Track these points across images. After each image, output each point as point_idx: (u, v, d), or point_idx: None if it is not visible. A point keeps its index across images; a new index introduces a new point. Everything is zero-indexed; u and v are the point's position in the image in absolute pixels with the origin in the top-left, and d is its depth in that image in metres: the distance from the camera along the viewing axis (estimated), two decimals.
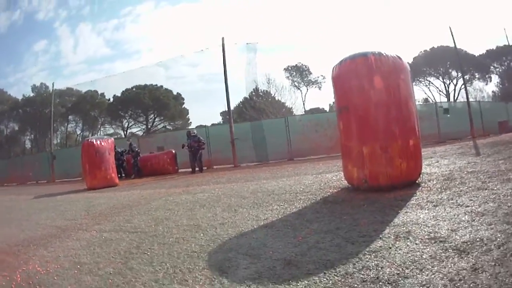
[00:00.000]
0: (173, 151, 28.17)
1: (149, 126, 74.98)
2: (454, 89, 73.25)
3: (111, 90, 79.18)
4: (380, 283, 3.66)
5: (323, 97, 66.08)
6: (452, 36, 35.49)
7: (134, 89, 76.07)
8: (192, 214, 8.02)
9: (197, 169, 25.24)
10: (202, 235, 6.36)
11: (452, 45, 37.29)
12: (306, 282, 4.00)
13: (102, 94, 79.63)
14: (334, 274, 4.09)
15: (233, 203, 8.52)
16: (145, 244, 6.22)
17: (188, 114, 70.88)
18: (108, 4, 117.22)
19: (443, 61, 68.49)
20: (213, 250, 5.48)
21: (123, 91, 76.39)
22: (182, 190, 10.82)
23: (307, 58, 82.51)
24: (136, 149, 29.00)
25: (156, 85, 77.79)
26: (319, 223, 6.49)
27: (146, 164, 28.39)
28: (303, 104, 51.91)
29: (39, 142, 76.30)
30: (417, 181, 10.54)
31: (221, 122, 60.38)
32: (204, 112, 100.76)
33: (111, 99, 78.76)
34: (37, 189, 20.76)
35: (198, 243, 5.90)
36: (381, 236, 5.17)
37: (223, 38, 28.99)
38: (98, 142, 24.64)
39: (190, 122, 72.87)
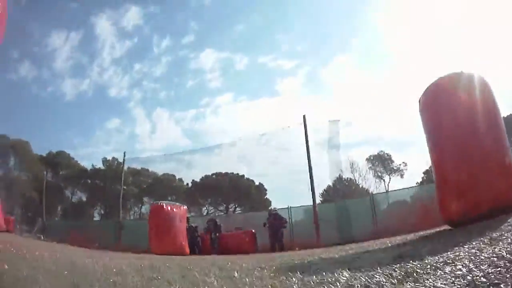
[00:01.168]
0: (253, 231, 27.21)
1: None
2: None
3: (189, 178, 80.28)
4: None
5: (405, 184, 64.45)
6: None
7: (214, 176, 76.62)
8: None
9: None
10: None
11: None
12: None
13: (180, 179, 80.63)
14: None
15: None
16: None
17: (271, 205, 69.27)
18: (185, 92, 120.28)
19: None
20: None
21: (202, 177, 76.94)
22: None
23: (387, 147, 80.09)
24: (220, 225, 28.84)
25: (237, 173, 77.86)
26: None
27: (224, 242, 27.76)
28: (387, 191, 50.19)
29: (108, 215, 76.46)
30: None
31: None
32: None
33: (190, 184, 79.20)
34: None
35: None
36: None
37: (304, 116, 29.07)
38: (169, 207, 24.12)
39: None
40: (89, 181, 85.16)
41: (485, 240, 5.84)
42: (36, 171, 74.44)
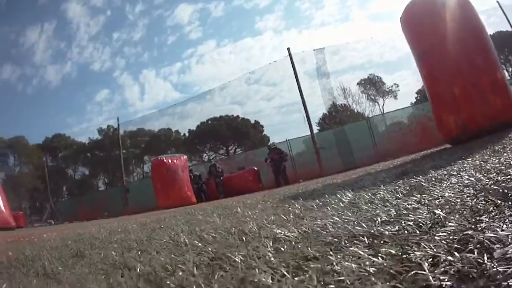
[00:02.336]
0: (255, 168, 27.17)
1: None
2: None
3: (185, 129, 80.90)
4: None
5: (400, 105, 64.48)
6: None
7: (209, 122, 76.79)
8: None
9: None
10: None
11: None
12: None
13: (177, 131, 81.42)
14: None
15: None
16: None
17: (269, 141, 69.08)
18: (168, 49, 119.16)
19: None
20: None
21: (198, 125, 77.64)
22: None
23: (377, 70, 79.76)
24: (220, 169, 28.76)
25: (232, 115, 78.32)
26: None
27: (228, 185, 27.93)
28: (382, 113, 50.26)
29: (113, 182, 77.62)
30: None
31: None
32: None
33: (187, 134, 79.67)
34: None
35: None
36: None
37: (288, 49, 28.53)
38: (169, 160, 24.02)
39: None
40: (89, 155, 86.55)
41: (488, 152, 5.82)
42: (36, 161, 75.75)
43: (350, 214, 3.07)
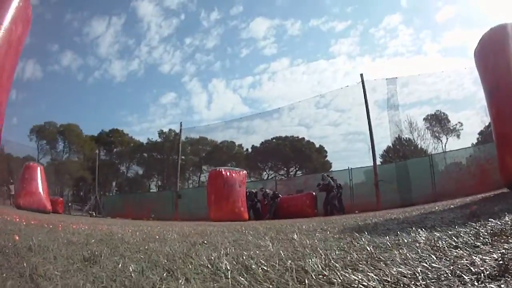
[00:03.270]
0: (313, 193, 26.51)
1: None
2: None
3: (249, 144, 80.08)
4: None
5: (461, 145, 62.51)
6: None
7: (274, 140, 75.95)
8: None
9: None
10: None
11: None
12: None
13: (240, 145, 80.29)
14: None
15: None
16: None
17: (331, 167, 67.99)
18: (240, 61, 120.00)
19: None
20: None
21: (262, 142, 76.20)
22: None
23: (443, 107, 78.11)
24: (270, 194, 27.97)
25: (298, 137, 77.06)
26: None
27: (283, 206, 27.06)
28: (444, 152, 48.95)
29: (166, 186, 77.45)
30: None
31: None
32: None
33: (249, 150, 78.95)
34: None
35: None
36: None
37: (361, 75, 28.19)
38: (228, 173, 23.76)
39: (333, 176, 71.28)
40: (145, 155, 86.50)
41: None
42: (88, 152, 76.77)
43: (435, 259, 2.57)
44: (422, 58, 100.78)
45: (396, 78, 31.89)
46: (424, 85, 77.78)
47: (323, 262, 2.89)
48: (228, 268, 3.00)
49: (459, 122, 68.60)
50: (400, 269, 2.37)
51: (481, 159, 25.03)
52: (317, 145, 76.76)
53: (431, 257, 2.70)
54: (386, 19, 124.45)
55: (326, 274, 2.48)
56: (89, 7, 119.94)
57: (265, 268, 2.88)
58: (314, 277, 2.43)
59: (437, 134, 67.51)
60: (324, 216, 21.52)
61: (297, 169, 77.04)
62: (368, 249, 3.43)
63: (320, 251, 3.58)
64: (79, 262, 3.73)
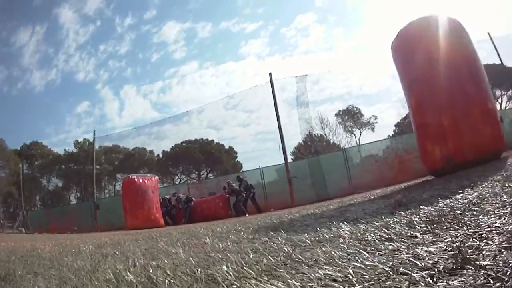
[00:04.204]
0: (226, 195, 26.10)
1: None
2: None
3: (160, 149, 79.75)
4: None
5: (377, 138, 64.59)
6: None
7: (184, 144, 75.69)
8: None
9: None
10: None
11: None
12: None
13: (151, 151, 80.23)
14: None
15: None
16: None
17: (242, 168, 68.58)
18: (151, 66, 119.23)
19: None
20: None
21: (172, 147, 76.25)
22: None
23: (356, 102, 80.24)
24: (183, 198, 27.72)
25: (207, 139, 77.26)
26: None
27: (198, 209, 26.91)
28: (358, 145, 50.20)
29: (84, 197, 75.69)
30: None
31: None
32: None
33: (161, 155, 78.64)
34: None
35: None
36: None
37: (270, 74, 28.09)
38: (140, 179, 23.37)
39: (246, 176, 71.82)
40: (63, 166, 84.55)
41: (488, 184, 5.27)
42: (13, 166, 73.51)
43: (367, 256, 2.14)
44: (334, 55, 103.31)
45: (306, 75, 32.10)
46: (336, 81, 79.73)
47: (235, 269, 2.47)
48: (133, 279, 2.79)
49: (373, 116, 70.61)
50: (327, 271, 1.92)
51: (399, 150, 25.91)
52: (227, 147, 77.97)
53: (362, 253, 2.27)
54: (298, 18, 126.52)
55: (238, 284, 2.02)
56: (15, 17, 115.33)
57: (171, 280, 2.52)
58: None
59: (350, 129, 69.10)
60: (237, 217, 21.34)
61: (208, 171, 77.54)
62: (286, 249, 3.03)
63: (233, 256, 3.18)
64: None
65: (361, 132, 70.32)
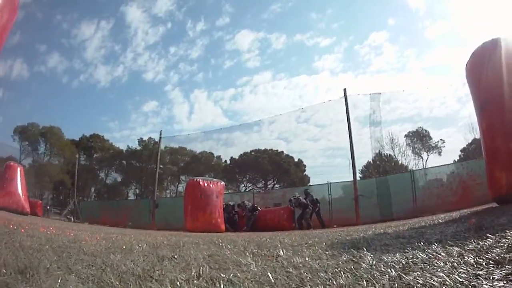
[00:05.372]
0: (291, 207, 25.90)
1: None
2: None
3: (227, 156, 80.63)
4: None
5: (443, 162, 62.97)
6: None
7: (252, 153, 76.27)
8: None
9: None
10: None
11: None
12: None
13: (218, 157, 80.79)
14: None
15: None
16: None
17: (309, 181, 68.08)
18: (223, 73, 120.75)
19: None
20: None
21: (241, 154, 76.79)
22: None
23: (425, 124, 78.76)
24: (249, 206, 27.89)
25: (277, 150, 77.42)
26: None
27: (261, 219, 26.76)
28: (425, 168, 49.27)
29: (143, 194, 77.52)
30: None
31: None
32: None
33: (228, 161, 79.16)
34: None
35: None
36: None
37: (345, 89, 28.03)
38: (205, 183, 23.39)
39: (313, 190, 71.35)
40: (125, 162, 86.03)
41: None
42: (69, 155, 75.90)
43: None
44: (406, 75, 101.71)
45: (380, 93, 31.70)
46: (406, 102, 78.42)
47: None
48: None
49: (441, 139, 69.40)
50: None
51: (463, 176, 25.02)
52: (296, 159, 77.23)
53: (478, 280, 2.05)
54: (371, 36, 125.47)
55: None
56: (78, 9, 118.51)
57: None
58: None
59: (418, 151, 67.98)
60: (300, 230, 21.25)
61: (275, 182, 77.31)
62: (392, 271, 2.67)
63: (318, 274, 2.89)
64: (9, 274, 3.13)
65: (428, 155, 69.07)
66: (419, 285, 2.14)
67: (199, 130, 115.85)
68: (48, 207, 54.52)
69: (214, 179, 28.04)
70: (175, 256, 4.95)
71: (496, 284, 1.94)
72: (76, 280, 3.00)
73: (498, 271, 2.21)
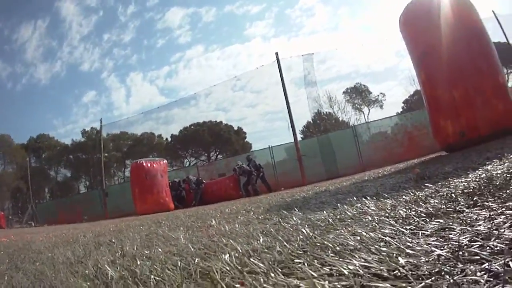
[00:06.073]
0: (236, 175, 25.73)
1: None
2: None
3: (169, 133, 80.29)
4: None
5: (385, 115, 64.23)
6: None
7: (192, 127, 75.80)
8: None
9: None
10: None
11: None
12: None
13: (160, 136, 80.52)
14: None
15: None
16: None
17: (251, 148, 68.39)
18: (156, 52, 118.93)
19: None
20: None
21: (181, 130, 76.39)
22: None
23: (364, 79, 79.88)
24: (194, 181, 27.49)
25: (215, 121, 77.14)
26: None
27: (208, 191, 26.67)
28: (367, 122, 50.02)
29: (93, 185, 76.28)
30: None
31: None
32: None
33: (169, 139, 78.81)
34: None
35: None
36: None
37: (276, 53, 27.58)
38: (148, 164, 23.11)
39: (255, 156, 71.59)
40: (71, 157, 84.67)
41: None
42: (20, 160, 74.65)
43: (412, 237, 1.66)
44: (340, 34, 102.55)
45: (313, 54, 31.72)
46: (343, 60, 78.97)
47: (240, 259, 1.95)
48: (113, 275, 2.35)
49: (381, 93, 70.15)
50: (365, 262, 1.42)
51: (408, 127, 25.81)
52: (236, 128, 77.59)
53: (402, 234, 1.77)
54: None
55: (241, 279, 1.51)
56: (16, 14, 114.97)
57: (159, 276, 2.02)
58: None
59: (358, 106, 68.75)
60: (248, 197, 21.10)
61: (217, 153, 77.48)
62: (304, 231, 2.50)
63: (239, 241, 2.74)
64: None
65: (369, 110, 70.09)
66: (334, 245, 1.83)
67: (138, 113, 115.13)
68: (10, 217, 53.53)
69: (157, 158, 28.13)
70: (113, 241, 5.25)
71: (424, 240, 1.63)
72: (21, 276, 3.31)
73: (430, 225, 1.92)
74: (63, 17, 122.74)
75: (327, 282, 1.26)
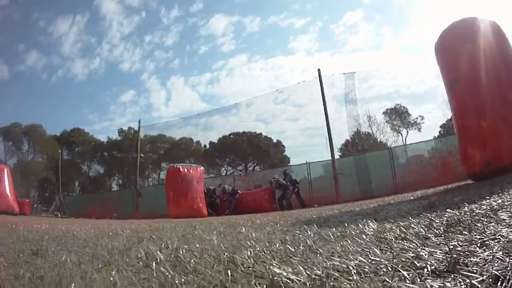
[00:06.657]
0: (271, 188, 26.14)
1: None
2: None
3: (207, 140, 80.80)
4: None
5: (423, 138, 63.67)
6: None
7: (231, 136, 76.32)
8: None
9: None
10: None
11: None
12: None
13: (198, 142, 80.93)
14: None
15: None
16: None
17: (289, 162, 69.03)
18: (199, 58, 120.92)
19: None
20: None
21: (220, 138, 76.92)
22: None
23: (404, 101, 79.23)
24: (229, 190, 28.08)
25: (255, 132, 77.54)
26: None
27: (243, 201, 27.02)
28: (405, 145, 49.76)
29: (126, 184, 77.61)
30: None
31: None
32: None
33: (207, 146, 79.37)
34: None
35: None
36: None
37: (319, 70, 28.00)
38: (185, 169, 23.61)
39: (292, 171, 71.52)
40: (106, 154, 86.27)
41: None
42: (51, 151, 75.56)
43: (378, 252, 2.33)
44: (382, 53, 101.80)
45: (354, 72, 31.96)
46: (384, 80, 78.46)
47: (255, 255, 2.74)
48: (162, 258, 2.96)
49: (420, 116, 69.58)
50: (335, 262, 2.13)
51: (443, 152, 25.65)
52: (275, 140, 77.52)
53: (374, 249, 2.45)
54: (346, 15, 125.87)
55: (253, 267, 2.26)
56: (54, 7, 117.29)
57: (197, 260, 2.74)
58: (240, 270, 2.26)
59: (397, 128, 68.19)
60: (282, 211, 21.27)
61: (255, 164, 77.65)
62: (308, 241, 3.23)
63: (260, 244, 3.43)
64: (27, 256, 3.95)
65: (407, 132, 69.51)
66: (326, 254, 2.54)
67: (177, 117, 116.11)
68: (35, 205, 54.45)
69: (194, 165, 28.58)
70: (153, 237, 5.66)
71: (378, 256, 2.30)
72: (76, 256, 3.59)
73: (396, 246, 2.55)
74: (103, 15, 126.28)
75: (305, 269, 1.99)
